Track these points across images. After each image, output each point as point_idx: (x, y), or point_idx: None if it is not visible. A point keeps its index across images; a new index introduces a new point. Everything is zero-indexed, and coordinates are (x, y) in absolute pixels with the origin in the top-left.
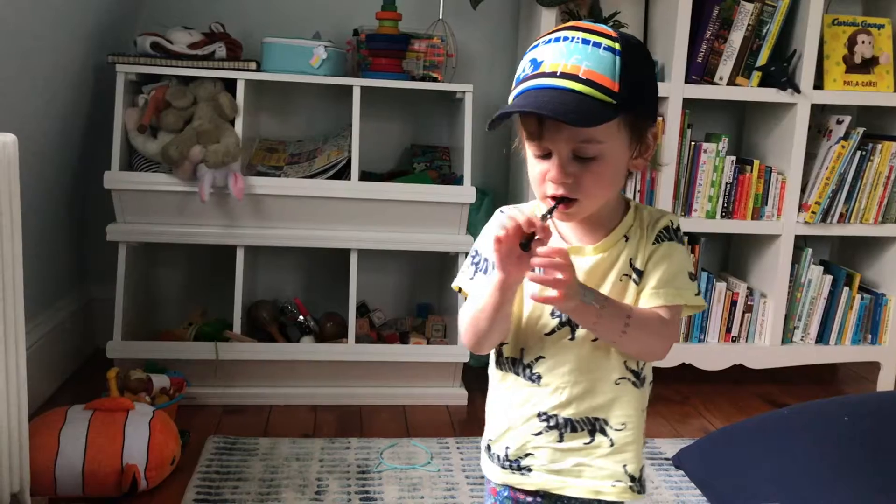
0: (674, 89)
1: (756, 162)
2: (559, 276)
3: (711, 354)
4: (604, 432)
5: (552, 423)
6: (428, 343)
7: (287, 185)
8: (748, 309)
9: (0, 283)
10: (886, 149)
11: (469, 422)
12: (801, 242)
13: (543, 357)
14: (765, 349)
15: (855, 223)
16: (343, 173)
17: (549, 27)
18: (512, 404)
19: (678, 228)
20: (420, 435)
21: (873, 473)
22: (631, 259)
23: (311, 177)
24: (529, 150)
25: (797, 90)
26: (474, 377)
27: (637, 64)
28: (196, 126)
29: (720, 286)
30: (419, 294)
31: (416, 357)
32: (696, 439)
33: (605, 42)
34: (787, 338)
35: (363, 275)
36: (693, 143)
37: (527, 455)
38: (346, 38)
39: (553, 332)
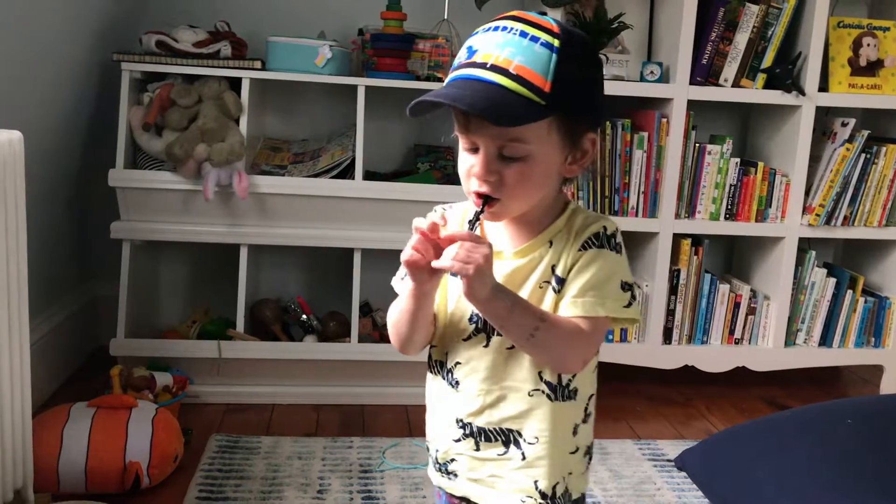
0: (678, 91)
1: (760, 164)
2: (475, 256)
3: (714, 356)
4: (517, 444)
5: (468, 430)
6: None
7: (291, 184)
8: (751, 311)
9: (5, 280)
10: (891, 152)
11: None
12: (804, 245)
13: (460, 363)
14: (768, 351)
15: (859, 226)
16: (347, 173)
17: None
18: (436, 408)
19: (612, 235)
20: (422, 435)
21: (876, 476)
22: (553, 266)
23: (315, 176)
24: (460, 143)
25: (802, 92)
26: None
27: (576, 63)
28: (201, 124)
29: (723, 288)
30: None
31: (418, 357)
32: (698, 441)
33: (544, 37)
34: (790, 340)
35: (366, 274)
36: (697, 144)
37: (451, 460)
38: (351, 38)
39: (469, 337)
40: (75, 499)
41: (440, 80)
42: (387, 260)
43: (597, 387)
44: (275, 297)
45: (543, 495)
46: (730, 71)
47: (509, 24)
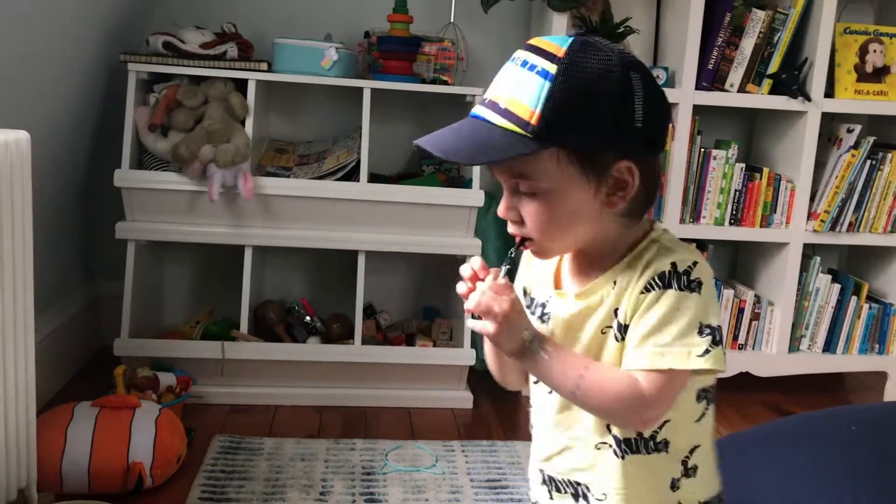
0: (684, 95)
1: (765, 169)
2: (495, 307)
3: None
4: (586, 499)
5: (542, 476)
6: (434, 346)
7: (296, 185)
8: (755, 317)
9: (11, 279)
10: None
11: (474, 425)
12: (809, 251)
13: (533, 406)
14: (772, 357)
15: (864, 232)
16: (352, 175)
17: (559, 31)
18: (531, 449)
19: (685, 272)
20: (425, 437)
21: (881, 483)
22: (616, 309)
23: (321, 178)
24: None
25: (808, 98)
26: (480, 380)
27: (575, 90)
28: (206, 125)
29: (728, 293)
30: (426, 297)
31: (421, 359)
32: None
33: (542, 64)
34: (794, 346)
35: (370, 276)
36: (702, 149)
37: (536, 503)
38: (358, 40)
39: (537, 382)
40: (78, 498)
41: (445, 82)
42: (390, 262)
43: (711, 435)
44: (279, 298)
45: None
46: (735, 76)
47: (519, 54)
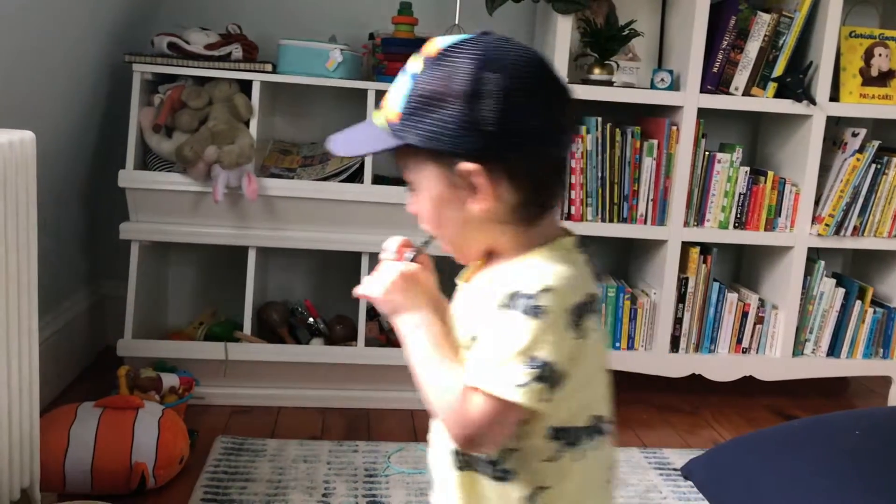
0: (689, 98)
1: (770, 173)
2: (386, 276)
3: (721, 365)
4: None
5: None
6: None
7: (300, 187)
8: (759, 320)
9: (15, 279)
10: None
11: None
12: (813, 255)
13: None
14: (776, 361)
15: (868, 236)
16: (356, 176)
17: (564, 34)
18: None
19: (531, 297)
20: (427, 439)
21: (885, 487)
22: (476, 308)
23: (325, 179)
24: None
25: (813, 102)
26: None
27: (427, 89)
28: (211, 126)
29: (732, 297)
30: None
31: None
32: (705, 450)
33: (413, 64)
34: (798, 350)
35: None
36: (707, 153)
37: None
38: (362, 42)
39: None
40: (81, 498)
41: None
42: None
43: (579, 484)
44: (282, 299)
45: None
46: (740, 79)
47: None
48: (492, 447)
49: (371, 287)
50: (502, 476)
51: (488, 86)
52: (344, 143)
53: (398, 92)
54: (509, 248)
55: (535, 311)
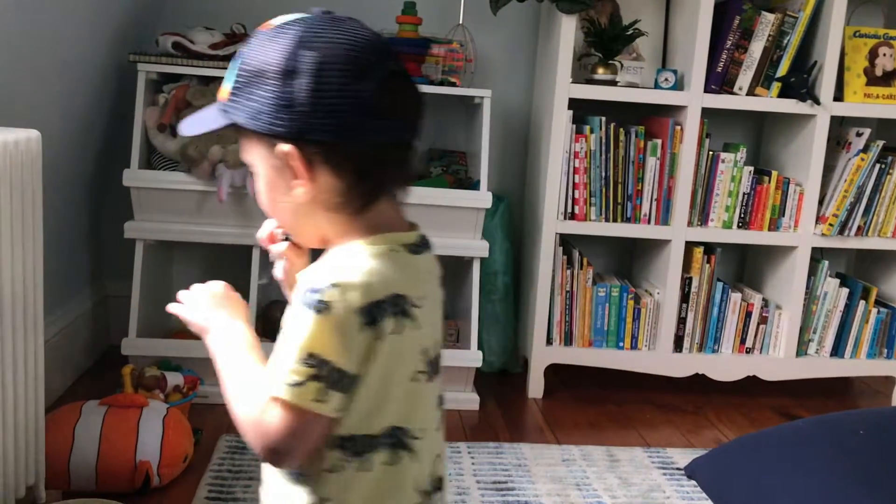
0: (693, 98)
1: (774, 173)
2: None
3: (725, 365)
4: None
5: None
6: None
7: None
8: (763, 320)
9: (21, 278)
10: None
11: (480, 427)
12: (817, 254)
13: None
14: (779, 361)
15: (872, 236)
16: None
17: (568, 34)
18: None
19: (317, 290)
20: None
21: (889, 487)
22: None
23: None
24: None
25: (817, 102)
26: (486, 383)
27: (249, 67)
28: None
29: (735, 297)
30: None
31: None
32: (708, 450)
33: (244, 44)
34: (801, 350)
35: None
36: (711, 152)
37: None
38: None
39: None
40: (85, 496)
41: (454, 84)
42: None
43: (367, 500)
44: (286, 298)
45: None
46: (744, 79)
47: None
48: (294, 461)
49: (183, 308)
50: (296, 479)
51: (303, 64)
52: (189, 123)
53: (230, 69)
54: (335, 237)
55: (318, 307)
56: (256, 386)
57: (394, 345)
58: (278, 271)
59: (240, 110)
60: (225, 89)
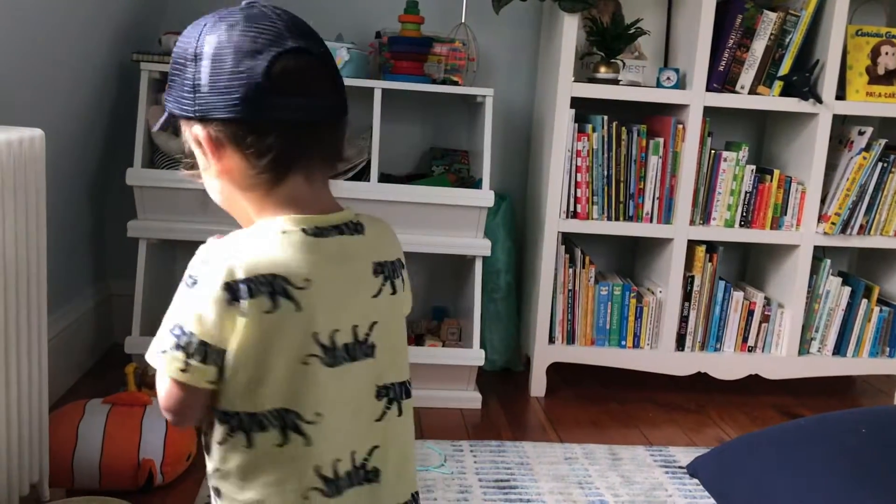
0: (695, 97)
1: (776, 171)
2: None
3: (727, 364)
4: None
5: None
6: (443, 346)
7: None
8: (765, 319)
9: (24, 276)
10: None
11: (483, 426)
12: (819, 253)
13: None
14: (781, 360)
15: (875, 235)
16: (363, 175)
17: (570, 33)
18: None
19: (193, 266)
20: (434, 437)
21: (891, 486)
22: None
23: (331, 177)
24: None
25: (819, 100)
26: (488, 381)
27: (177, 49)
28: None
29: (737, 295)
30: (435, 297)
31: (430, 359)
32: (710, 448)
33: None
34: (803, 349)
35: None
36: (713, 151)
37: None
38: (369, 41)
39: None
40: (89, 495)
41: (456, 83)
42: None
43: (231, 468)
44: None
45: None
46: (746, 78)
47: None
48: (183, 424)
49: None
50: (203, 447)
51: (206, 47)
52: (156, 121)
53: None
54: (255, 216)
55: (188, 282)
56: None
57: (267, 324)
58: None
59: (171, 99)
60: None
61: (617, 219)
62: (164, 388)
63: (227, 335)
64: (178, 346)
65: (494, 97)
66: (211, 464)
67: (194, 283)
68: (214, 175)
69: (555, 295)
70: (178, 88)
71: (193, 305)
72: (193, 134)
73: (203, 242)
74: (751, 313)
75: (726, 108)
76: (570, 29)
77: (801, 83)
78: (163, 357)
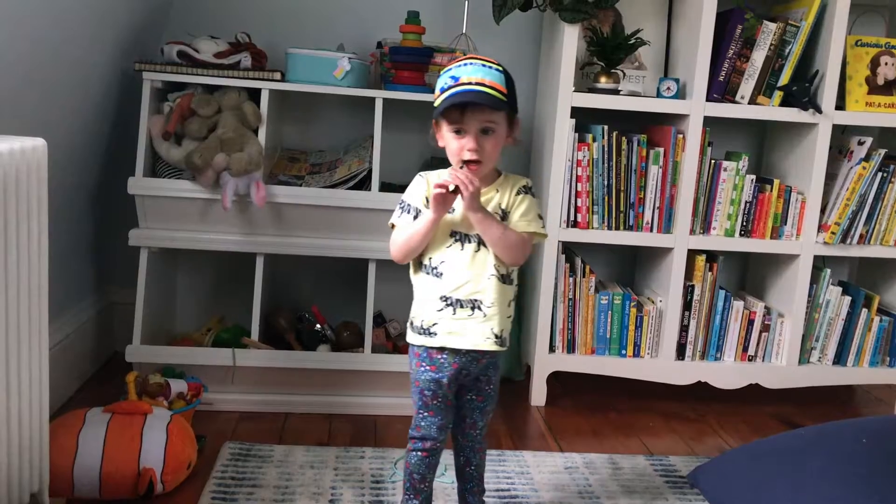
0: (695, 107)
1: (776, 181)
2: (475, 182)
3: (727, 373)
4: (480, 308)
5: (448, 302)
6: None
7: (308, 194)
8: (765, 328)
9: (26, 285)
10: None
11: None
12: (819, 263)
13: (444, 261)
14: (781, 369)
15: (875, 245)
16: (363, 184)
17: (571, 43)
18: (423, 294)
19: (530, 187)
20: None
21: (891, 496)
22: (500, 204)
23: (332, 187)
24: (449, 134)
25: (819, 110)
26: None
27: (511, 81)
28: (220, 134)
29: (738, 305)
30: None
31: None
32: (711, 458)
33: (495, 66)
34: (804, 358)
35: (380, 285)
36: (713, 161)
37: (434, 324)
38: (370, 51)
39: (450, 246)
40: (89, 503)
41: None
42: (401, 271)
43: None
44: (289, 306)
45: (496, 336)
46: (746, 88)
47: (472, 61)
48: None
49: (468, 184)
50: (510, 281)
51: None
52: (490, 103)
53: (498, 79)
54: (494, 168)
55: (534, 194)
56: (514, 231)
57: None
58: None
59: (511, 101)
60: (502, 88)
61: (617, 228)
62: (531, 245)
63: None
64: (544, 223)
65: None
66: (515, 283)
67: (535, 194)
68: (506, 143)
69: (555, 304)
70: (515, 100)
71: (538, 203)
72: (518, 122)
73: (205, 251)
74: (751, 323)
75: (726, 118)
76: (571, 39)
77: (801, 93)
78: (544, 228)
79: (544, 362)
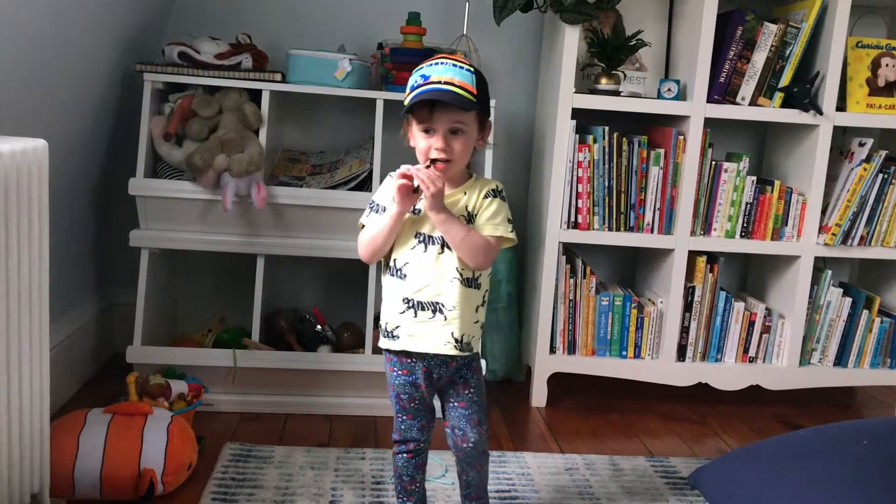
0: (695, 108)
1: (777, 182)
2: (437, 183)
3: (728, 374)
4: (441, 311)
5: (410, 304)
6: None
7: (308, 195)
8: (766, 330)
9: (27, 286)
10: None
11: None
12: (820, 264)
13: (408, 263)
14: (782, 370)
15: (875, 246)
16: (364, 185)
17: (572, 44)
18: (389, 295)
19: (500, 191)
20: (435, 447)
21: (891, 498)
22: (466, 206)
23: (333, 188)
24: (418, 132)
25: (819, 112)
26: (490, 391)
27: (483, 82)
28: (221, 135)
29: (738, 306)
30: None
31: None
32: (711, 459)
33: (465, 66)
34: (804, 359)
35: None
36: (714, 162)
37: (397, 327)
38: (371, 52)
39: (414, 247)
40: None
41: None
42: None
43: (490, 288)
44: (290, 307)
45: (457, 340)
46: (747, 89)
47: (443, 60)
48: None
49: (431, 183)
50: (476, 285)
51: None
52: (459, 102)
53: (469, 80)
54: (464, 169)
55: (504, 198)
56: (479, 234)
57: None
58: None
59: (481, 102)
60: (472, 88)
61: (618, 229)
62: (497, 249)
63: None
64: (513, 227)
65: (496, 108)
66: (483, 288)
67: (505, 198)
68: (477, 145)
69: (556, 305)
70: (487, 100)
71: (507, 207)
72: (489, 123)
73: (205, 252)
74: (752, 324)
75: (727, 120)
76: (572, 40)
77: (802, 95)
78: (512, 233)
79: (545, 363)
